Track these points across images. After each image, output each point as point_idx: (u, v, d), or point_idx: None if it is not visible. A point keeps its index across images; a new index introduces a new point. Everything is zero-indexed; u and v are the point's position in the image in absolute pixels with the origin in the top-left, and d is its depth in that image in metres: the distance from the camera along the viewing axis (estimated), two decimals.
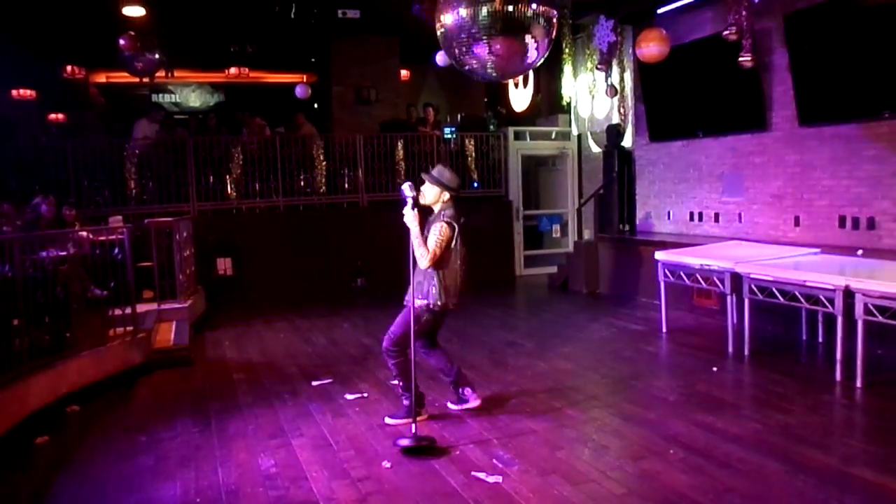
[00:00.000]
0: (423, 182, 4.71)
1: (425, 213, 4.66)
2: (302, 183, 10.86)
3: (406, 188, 4.50)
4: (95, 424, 5.10)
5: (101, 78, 14.03)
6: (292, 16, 10.83)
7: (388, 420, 4.77)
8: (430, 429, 4.55)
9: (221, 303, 9.52)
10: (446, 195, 4.66)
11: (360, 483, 3.85)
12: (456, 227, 4.59)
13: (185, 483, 3.97)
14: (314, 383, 5.82)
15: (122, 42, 8.87)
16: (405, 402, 4.72)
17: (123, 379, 6.12)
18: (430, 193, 4.67)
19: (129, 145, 10.10)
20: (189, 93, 15.48)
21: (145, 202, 10.01)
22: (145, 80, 10.54)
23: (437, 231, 4.52)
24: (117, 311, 6.48)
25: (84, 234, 6.95)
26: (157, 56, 9.36)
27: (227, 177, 10.40)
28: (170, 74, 11.30)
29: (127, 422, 5.13)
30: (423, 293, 4.56)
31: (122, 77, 12.35)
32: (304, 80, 14.49)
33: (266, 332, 8.11)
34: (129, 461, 4.34)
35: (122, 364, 6.23)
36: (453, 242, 4.58)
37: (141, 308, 6.96)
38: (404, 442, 4.25)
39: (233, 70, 14.41)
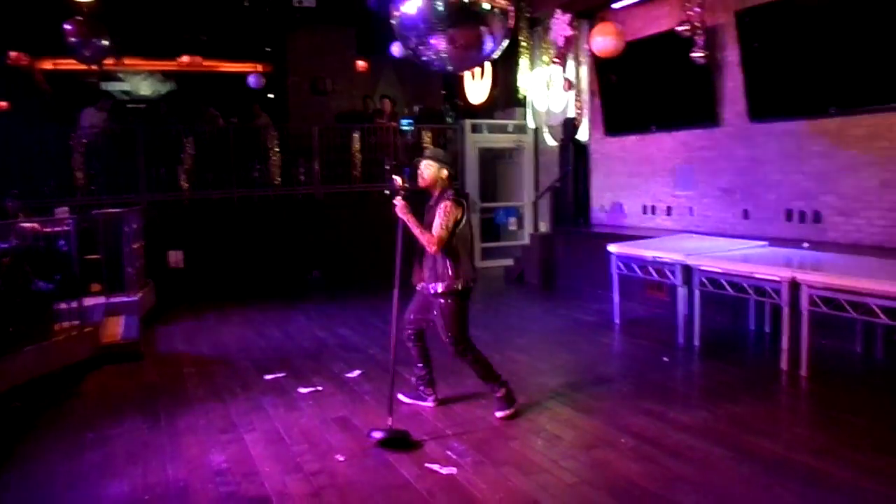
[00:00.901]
0: (417, 166, 4.62)
1: (414, 204, 4.56)
2: (256, 174, 10.69)
3: (396, 178, 4.46)
4: (40, 421, 4.95)
5: (48, 65, 13.58)
6: (246, 3, 10.64)
7: (497, 414, 4.61)
8: (384, 420, 4.52)
9: (173, 296, 9.33)
10: (444, 172, 4.57)
11: (313, 477, 3.81)
12: (464, 203, 4.53)
13: (133, 480, 3.88)
14: (267, 377, 5.75)
15: (68, 28, 8.58)
16: (498, 395, 4.64)
17: (70, 374, 5.95)
18: (429, 172, 4.55)
19: (77, 134, 9.80)
20: (140, 81, 15.09)
21: (93, 193, 9.73)
22: (94, 67, 10.22)
23: (443, 211, 4.41)
24: (63, 305, 6.30)
25: (28, 225, 6.73)
26: (105, 42, 9.08)
27: (179, 167, 10.18)
28: (119, 62, 11.00)
29: (73, 418, 5.00)
30: (440, 277, 4.47)
31: (70, 64, 11.94)
32: (259, 69, 14.26)
33: (218, 325, 7.98)
34: (76, 458, 4.23)
35: (68, 359, 6.06)
36: (462, 220, 4.50)
37: (88, 302, 6.77)
38: (377, 434, 4.20)
39: (185, 58, 14.09)
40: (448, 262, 4.47)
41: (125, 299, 7.62)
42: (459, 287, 4.49)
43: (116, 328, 7.03)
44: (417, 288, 4.74)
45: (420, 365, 4.90)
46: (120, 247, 7.82)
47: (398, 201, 4.45)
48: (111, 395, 5.55)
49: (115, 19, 9.61)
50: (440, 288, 4.48)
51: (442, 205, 4.45)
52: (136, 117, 11.34)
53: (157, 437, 4.53)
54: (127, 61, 12.23)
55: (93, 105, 10.49)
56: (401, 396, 4.92)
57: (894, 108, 6.30)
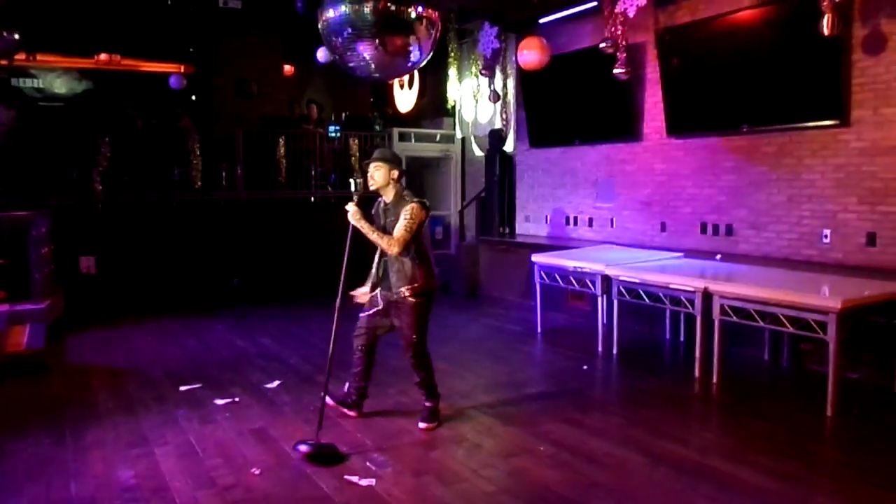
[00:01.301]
0: (366, 169, 4.61)
1: (365, 207, 4.56)
2: (176, 177, 10.36)
3: (352, 184, 4.54)
4: None
5: None
6: (169, 1, 10.33)
7: (421, 425, 4.60)
8: (303, 432, 4.44)
9: (84, 304, 8.92)
10: (395, 172, 4.56)
11: (227, 491, 3.70)
12: (428, 207, 4.55)
13: (34, 498, 3.67)
14: (182, 388, 5.55)
15: None
16: (428, 405, 4.63)
17: None
18: (380, 174, 4.53)
19: None
20: (54, 78, 14.38)
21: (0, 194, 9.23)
22: (2, 62, 9.71)
23: (409, 213, 4.41)
24: None
25: None
26: (15, 36, 8.64)
27: (94, 169, 9.76)
28: (31, 58, 10.49)
29: None
30: (410, 279, 4.47)
31: None
32: (182, 70, 13.84)
33: (132, 334, 7.68)
34: None
35: None
36: (426, 223, 4.54)
37: None
38: (303, 448, 4.09)
39: (103, 56, 13.54)
40: (418, 264, 4.49)
41: (31, 307, 7.21)
42: (431, 288, 4.57)
43: (20, 337, 6.65)
44: (372, 295, 4.68)
45: (361, 376, 4.81)
46: (27, 251, 7.42)
47: (350, 206, 4.43)
48: (12, 408, 5.23)
49: (29, 12, 9.17)
50: (408, 292, 4.48)
51: (409, 207, 4.45)
52: (49, 116, 10.80)
53: (62, 452, 4.30)
54: (40, 57, 11.65)
55: (1, 103, 9.95)
56: (328, 398, 4.70)
57: (801, 128, 6.62)
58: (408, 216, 4.42)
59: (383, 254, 4.56)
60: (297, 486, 3.76)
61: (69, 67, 14.33)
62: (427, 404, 4.68)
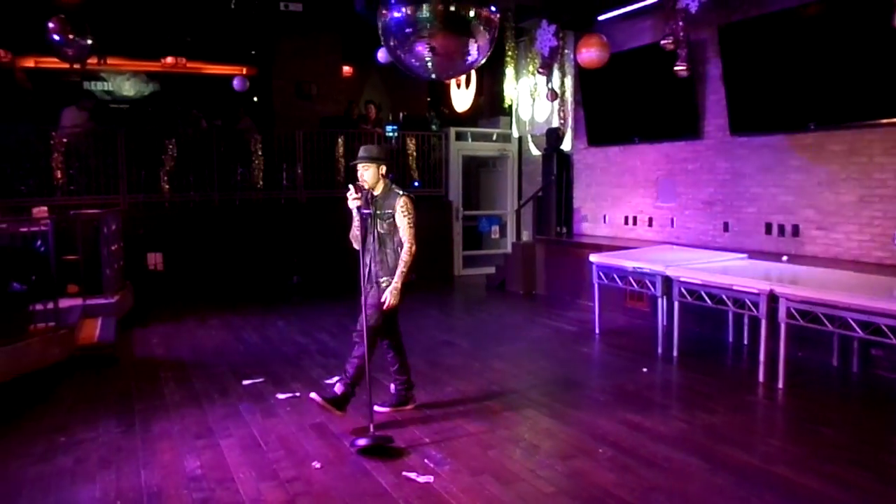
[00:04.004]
0: (355, 170, 4.65)
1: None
2: (239, 177, 10.63)
3: (350, 200, 4.49)
4: (12, 423, 4.87)
5: (30, 62, 13.41)
6: (232, 6, 10.59)
7: (377, 408, 4.66)
8: (362, 428, 4.50)
9: (151, 299, 9.24)
10: (384, 168, 4.65)
11: (288, 484, 3.78)
12: (413, 198, 4.65)
13: (105, 485, 3.82)
14: (245, 382, 5.70)
15: (51, 25, 8.50)
16: (338, 391, 4.62)
17: (44, 376, 5.86)
18: (369, 173, 4.60)
19: (57, 133, 9.70)
20: (123, 81, 14.94)
21: (72, 193, 9.63)
22: (76, 66, 10.12)
23: (406, 209, 4.55)
24: (38, 307, 6.20)
25: (4, 225, 6.63)
26: (88, 42, 9.00)
27: (161, 169, 10.10)
28: (102, 61, 10.88)
29: (46, 421, 4.91)
30: (390, 270, 4.57)
31: (52, 62, 11.81)
32: (244, 72, 14.19)
33: (197, 329, 7.91)
34: (47, 462, 4.16)
35: (42, 361, 5.96)
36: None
37: (65, 303, 6.69)
38: (361, 442, 4.16)
39: (169, 59, 13.99)
40: (401, 253, 4.58)
41: (103, 301, 7.52)
42: (407, 279, 4.61)
43: (93, 330, 6.94)
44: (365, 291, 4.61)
45: (399, 370, 4.90)
46: (98, 248, 7.73)
47: (353, 201, 4.50)
48: (85, 398, 5.47)
49: (100, 18, 9.54)
50: (387, 283, 4.57)
51: (402, 201, 4.56)
52: (118, 118, 11.22)
53: (131, 441, 4.47)
54: (110, 61, 12.07)
55: (74, 104, 10.39)
56: (377, 407, 4.73)
57: (872, 125, 6.38)
58: (406, 213, 4.54)
59: (369, 246, 4.61)
60: (357, 480, 3.82)
61: (137, 70, 14.86)
62: (337, 390, 4.62)
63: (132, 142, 9.92)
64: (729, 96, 7.62)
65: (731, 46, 7.49)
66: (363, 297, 4.53)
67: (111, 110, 13.34)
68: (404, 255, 4.55)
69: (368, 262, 4.63)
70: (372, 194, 4.62)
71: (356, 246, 4.66)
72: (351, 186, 4.51)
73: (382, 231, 4.61)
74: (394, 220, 4.58)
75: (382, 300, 4.55)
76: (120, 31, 11.47)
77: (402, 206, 4.55)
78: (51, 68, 12.96)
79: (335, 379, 5.38)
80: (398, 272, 4.54)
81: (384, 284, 4.59)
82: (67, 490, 3.79)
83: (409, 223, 4.55)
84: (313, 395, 4.66)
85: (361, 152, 4.68)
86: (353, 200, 4.48)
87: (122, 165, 9.86)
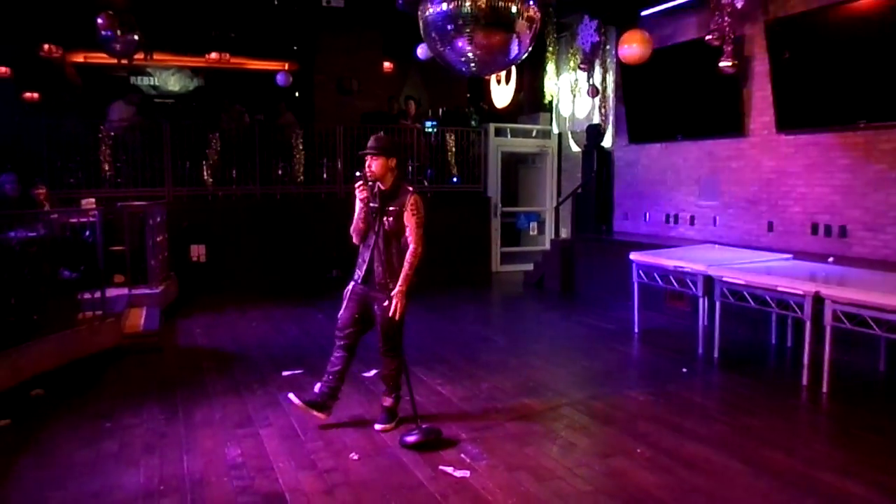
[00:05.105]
0: (363, 162, 4.42)
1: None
2: (280, 172, 10.77)
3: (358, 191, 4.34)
4: (60, 409, 5.01)
5: (79, 58, 13.77)
6: (276, 2, 10.72)
7: (377, 427, 4.49)
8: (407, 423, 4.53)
9: (194, 290, 9.42)
10: (393, 161, 4.39)
11: (326, 474, 3.83)
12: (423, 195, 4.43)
13: (149, 470, 3.92)
14: (284, 373, 5.78)
15: (100, 21, 8.70)
16: (386, 405, 4.57)
17: (91, 363, 6.03)
18: (377, 164, 4.33)
19: (105, 127, 9.95)
20: (168, 76, 15.26)
21: (119, 185, 9.87)
22: (123, 61, 10.35)
23: (415, 208, 4.30)
24: (87, 295, 6.38)
25: (55, 216, 6.82)
26: (136, 37, 9.19)
27: (204, 163, 10.28)
28: (149, 57, 11.11)
29: (92, 407, 5.05)
30: (395, 273, 4.32)
31: (100, 58, 12.11)
32: (286, 67, 14.36)
33: (238, 320, 8.04)
34: (93, 446, 4.28)
35: (89, 348, 6.14)
36: None
37: (111, 292, 6.85)
38: (411, 438, 4.17)
39: (213, 55, 14.22)
40: (406, 257, 4.33)
41: (147, 291, 7.70)
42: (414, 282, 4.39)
43: (138, 319, 7.12)
44: (357, 289, 4.46)
45: (337, 377, 4.56)
46: (144, 239, 7.91)
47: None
48: (130, 385, 5.61)
49: (146, 14, 9.73)
50: (393, 285, 4.31)
51: (410, 201, 4.30)
52: (163, 112, 11.46)
53: (175, 428, 4.57)
54: (156, 56, 12.33)
55: (121, 99, 10.64)
56: (291, 396, 4.56)
57: None
58: (415, 211, 4.30)
59: (371, 243, 4.37)
60: (394, 473, 3.85)
61: (182, 66, 15.14)
62: (385, 404, 4.57)
63: (177, 136, 10.12)
64: (776, 93, 7.47)
65: (778, 42, 7.33)
66: (347, 292, 4.42)
67: (157, 105, 13.62)
68: (409, 257, 4.29)
69: (368, 259, 4.38)
70: (379, 187, 4.36)
71: (356, 240, 4.48)
72: (357, 174, 4.33)
73: (388, 228, 4.33)
74: (401, 217, 4.32)
75: (391, 310, 4.28)
76: (166, 27, 11.70)
77: (411, 205, 4.30)
78: (99, 63, 13.30)
79: (372, 372, 5.44)
80: (402, 275, 4.27)
81: (391, 288, 4.30)
82: (113, 474, 3.89)
83: (417, 223, 4.29)
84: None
85: (371, 142, 4.47)
86: (360, 192, 4.30)
87: (168, 159, 10.07)
